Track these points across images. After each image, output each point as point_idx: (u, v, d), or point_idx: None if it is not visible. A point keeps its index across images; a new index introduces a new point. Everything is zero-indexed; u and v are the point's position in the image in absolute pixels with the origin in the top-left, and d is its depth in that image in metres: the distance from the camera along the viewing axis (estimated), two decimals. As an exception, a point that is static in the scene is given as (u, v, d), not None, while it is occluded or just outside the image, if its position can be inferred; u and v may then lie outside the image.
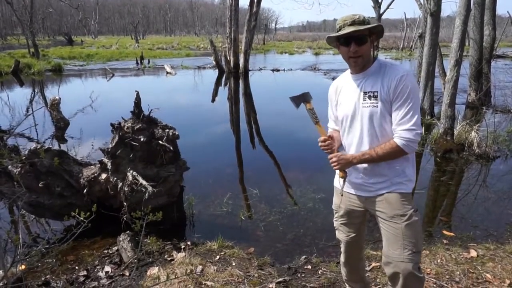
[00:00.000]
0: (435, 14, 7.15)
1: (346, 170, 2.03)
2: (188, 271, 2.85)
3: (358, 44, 1.88)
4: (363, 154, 1.94)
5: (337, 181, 2.22)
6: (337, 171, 2.16)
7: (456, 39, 6.26)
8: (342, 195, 2.14)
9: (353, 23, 1.88)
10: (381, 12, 21.69)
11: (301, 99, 2.15)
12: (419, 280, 1.92)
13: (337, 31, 1.93)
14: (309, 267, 3.13)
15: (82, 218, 1.77)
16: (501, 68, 14.60)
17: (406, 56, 29.07)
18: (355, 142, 2.01)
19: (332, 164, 1.99)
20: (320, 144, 2.02)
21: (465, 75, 9.65)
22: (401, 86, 1.85)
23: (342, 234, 2.26)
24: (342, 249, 2.32)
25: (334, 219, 2.29)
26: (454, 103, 6.49)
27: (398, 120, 1.88)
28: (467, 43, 13.87)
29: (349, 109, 2.00)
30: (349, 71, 2.08)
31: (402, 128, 1.86)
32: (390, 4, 22.21)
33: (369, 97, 1.93)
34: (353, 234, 2.22)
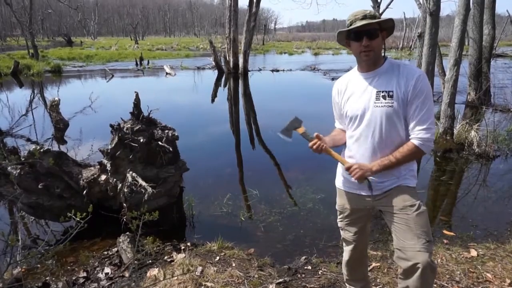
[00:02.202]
0: (435, 14, 7.14)
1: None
2: (187, 271, 2.85)
3: (370, 38, 1.87)
4: (382, 161, 1.94)
5: (340, 182, 2.21)
6: (341, 173, 2.18)
7: (456, 38, 6.26)
8: (370, 199, 2.09)
9: (364, 17, 1.88)
10: (380, 12, 21.69)
11: (291, 128, 2.09)
12: (434, 270, 1.90)
13: (348, 27, 1.92)
14: (309, 267, 3.12)
15: (78, 219, 1.76)
16: (500, 67, 14.63)
17: (405, 55, 29.07)
18: (364, 141, 1.99)
19: (353, 173, 1.97)
20: (310, 148, 2.02)
21: (464, 75, 9.66)
22: (420, 86, 1.85)
23: (348, 234, 2.25)
24: (347, 248, 2.30)
25: (339, 220, 2.28)
26: (453, 103, 6.49)
27: (416, 120, 1.88)
28: (466, 43, 13.86)
29: (359, 108, 1.98)
30: (355, 69, 2.05)
31: (419, 129, 1.87)
32: (389, 4, 22.18)
33: (384, 97, 1.90)
34: (359, 233, 2.22)
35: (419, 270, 1.85)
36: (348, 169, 2.00)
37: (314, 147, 2.00)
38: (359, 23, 1.86)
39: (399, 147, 1.94)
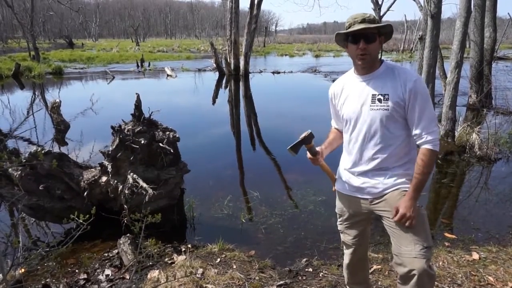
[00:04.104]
0: (436, 16, 7.14)
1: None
2: (188, 273, 2.84)
3: (367, 42, 1.87)
4: (414, 186, 1.88)
5: (339, 185, 2.21)
6: (340, 175, 2.20)
7: (457, 41, 6.26)
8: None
9: (363, 21, 1.88)
10: (381, 14, 21.70)
11: (302, 143, 2.10)
12: (432, 277, 1.88)
13: (346, 29, 1.92)
14: (310, 270, 3.11)
15: (81, 221, 1.76)
16: (502, 70, 14.61)
17: (406, 58, 29.12)
18: (359, 143, 2.00)
19: (409, 223, 1.88)
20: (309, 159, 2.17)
21: (465, 77, 9.65)
22: (418, 90, 1.86)
23: (348, 237, 2.25)
24: (347, 252, 2.30)
25: (339, 223, 2.28)
26: (455, 105, 6.48)
27: (422, 125, 1.87)
28: (467, 45, 13.85)
29: (354, 111, 1.99)
30: (352, 72, 2.06)
31: (427, 132, 1.86)
32: (390, 6, 22.20)
33: (379, 100, 1.91)
34: (359, 237, 2.21)
35: (415, 277, 1.84)
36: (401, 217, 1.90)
37: (312, 161, 2.17)
38: (358, 27, 1.87)
39: (396, 149, 1.95)
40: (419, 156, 1.89)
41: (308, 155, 2.13)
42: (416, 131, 1.89)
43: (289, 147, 2.10)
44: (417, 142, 1.91)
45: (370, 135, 1.96)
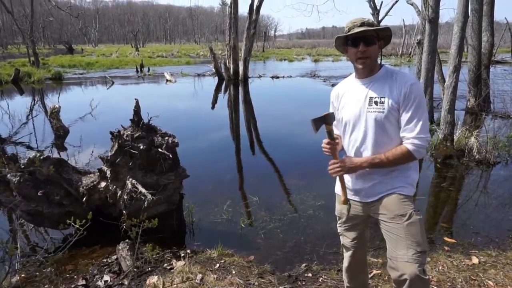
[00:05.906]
0: (434, 21, 7.18)
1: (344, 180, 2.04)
2: (186, 279, 2.83)
3: (367, 44, 1.90)
4: (373, 159, 1.93)
5: (338, 187, 2.22)
6: (338, 179, 2.18)
7: (455, 45, 6.29)
8: (348, 204, 2.08)
9: (362, 24, 1.92)
10: (379, 19, 21.80)
11: (322, 120, 2.04)
12: (425, 282, 1.87)
13: (346, 33, 1.95)
14: (310, 275, 3.11)
15: (78, 226, 1.76)
16: (500, 74, 14.66)
17: (405, 62, 29.20)
18: (357, 146, 2.01)
19: (335, 170, 1.96)
20: (323, 146, 2.02)
21: (464, 81, 9.69)
22: (413, 94, 1.87)
23: (346, 240, 2.26)
24: (346, 254, 2.31)
25: (338, 225, 2.29)
26: (453, 109, 6.50)
27: (410, 127, 1.88)
28: (465, 49, 13.92)
29: (353, 113, 2.01)
30: (353, 76, 2.09)
31: (414, 135, 1.87)
32: (388, 11, 22.35)
33: (376, 103, 1.93)
34: (357, 239, 2.22)
35: (407, 282, 1.84)
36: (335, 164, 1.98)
37: (328, 147, 2.00)
38: (357, 30, 1.90)
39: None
40: (397, 148, 1.91)
41: (325, 140, 2.01)
42: (403, 133, 1.91)
43: (312, 118, 2.01)
44: (403, 142, 1.91)
45: (367, 137, 1.97)
